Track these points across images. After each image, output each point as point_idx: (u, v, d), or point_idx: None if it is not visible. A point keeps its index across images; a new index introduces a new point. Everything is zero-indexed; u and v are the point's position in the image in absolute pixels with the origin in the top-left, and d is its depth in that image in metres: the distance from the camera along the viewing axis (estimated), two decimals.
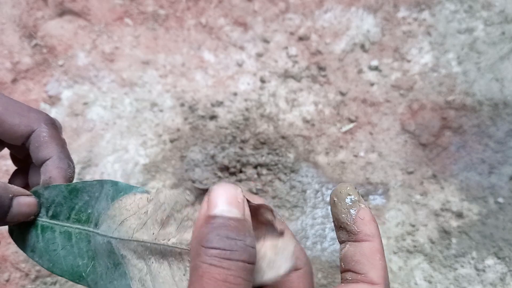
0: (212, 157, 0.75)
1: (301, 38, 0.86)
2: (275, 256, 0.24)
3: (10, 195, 0.28)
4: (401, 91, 0.82)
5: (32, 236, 0.30)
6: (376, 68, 0.84)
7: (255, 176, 0.76)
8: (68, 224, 0.29)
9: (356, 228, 0.25)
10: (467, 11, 0.88)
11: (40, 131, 0.32)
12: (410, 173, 0.76)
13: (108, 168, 0.75)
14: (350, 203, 0.26)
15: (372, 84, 0.82)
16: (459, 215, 0.72)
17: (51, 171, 0.31)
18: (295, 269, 0.27)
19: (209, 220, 0.21)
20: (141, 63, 0.84)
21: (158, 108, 0.80)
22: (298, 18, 0.88)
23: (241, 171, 0.75)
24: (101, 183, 0.29)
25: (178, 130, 0.78)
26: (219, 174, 0.75)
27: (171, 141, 0.77)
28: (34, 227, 0.30)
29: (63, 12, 0.86)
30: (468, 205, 0.73)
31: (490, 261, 0.69)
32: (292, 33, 0.87)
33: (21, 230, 0.30)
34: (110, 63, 0.84)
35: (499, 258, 0.69)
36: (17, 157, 0.36)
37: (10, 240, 0.69)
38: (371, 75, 0.83)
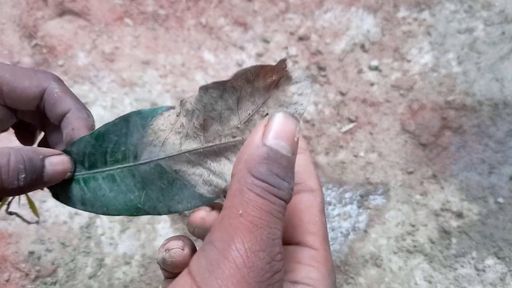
0: None
1: (301, 38, 0.86)
2: (297, 97, 0.25)
3: (41, 157, 0.29)
4: (401, 91, 0.82)
5: (77, 191, 0.31)
6: (376, 68, 0.84)
7: None
8: (107, 168, 0.30)
9: None
10: (467, 11, 0.88)
11: (52, 88, 0.32)
12: (410, 173, 0.76)
13: None
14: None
15: (372, 84, 0.82)
16: (459, 215, 0.72)
17: (72, 123, 0.31)
18: (310, 190, 0.28)
19: (263, 150, 0.21)
20: (141, 63, 0.84)
21: None
22: (298, 18, 0.88)
23: None
24: (124, 118, 0.30)
25: None
26: None
27: None
28: (75, 182, 0.31)
29: (63, 12, 0.86)
30: (468, 205, 0.73)
31: (490, 261, 0.69)
32: (292, 33, 0.87)
33: (65, 190, 0.31)
34: (110, 63, 0.84)
35: (499, 258, 0.69)
36: (23, 133, 0.36)
37: (10, 240, 0.69)
38: (371, 75, 0.83)
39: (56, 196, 0.32)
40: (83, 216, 0.71)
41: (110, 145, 0.30)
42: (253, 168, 0.21)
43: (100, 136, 0.30)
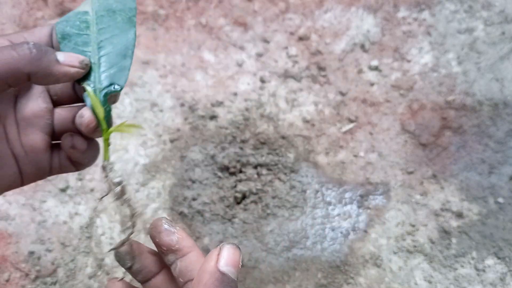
0: (212, 157, 0.75)
1: (301, 38, 0.86)
2: None
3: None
4: (401, 91, 0.82)
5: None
6: (376, 68, 0.84)
7: (255, 176, 0.76)
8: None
9: (179, 246, 0.31)
10: (467, 11, 0.88)
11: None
12: (410, 173, 0.76)
13: None
14: (169, 229, 0.32)
15: (372, 84, 0.83)
16: (459, 215, 0.72)
17: None
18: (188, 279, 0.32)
19: (218, 275, 0.27)
20: (141, 63, 0.84)
21: (158, 108, 0.80)
22: (298, 18, 0.88)
23: (241, 171, 0.75)
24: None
25: (178, 130, 0.78)
26: (219, 174, 0.75)
27: (171, 141, 0.77)
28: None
29: (63, 12, 0.86)
30: (468, 205, 0.73)
31: (490, 261, 0.69)
32: (292, 33, 0.87)
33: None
34: None
35: (499, 258, 0.69)
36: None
37: (10, 240, 0.69)
38: (371, 75, 0.83)
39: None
40: (83, 216, 0.71)
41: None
42: None
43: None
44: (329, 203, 0.73)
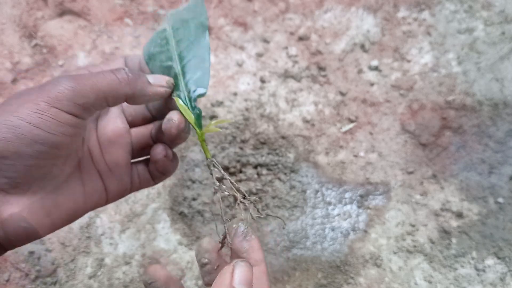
0: (212, 157, 0.75)
1: (301, 38, 0.86)
2: None
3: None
4: (401, 91, 0.82)
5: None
6: (376, 68, 0.84)
7: (255, 176, 0.76)
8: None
9: (248, 255, 0.33)
10: (467, 11, 0.88)
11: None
12: (410, 173, 0.76)
13: None
14: (244, 234, 0.33)
15: (372, 84, 0.83)
16: (459, 215, 0.72)
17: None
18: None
19: None
20: None
21: None
22: (298, 18, 0.88)
23: (241, 171, 0.75)
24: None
25: None
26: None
27: None
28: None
29: (63, 12, 0.86)
30: (468, 205, 0.73)
31: (490, 261, 0.69)
32: (292, 33, 0.87)
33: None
34: None
35: (499, 258, 0.69)
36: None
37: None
38: (371, 75, 0.83)
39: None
40: (83, 216, 0.71)
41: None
42: None
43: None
44: (329, 203, 0.73)
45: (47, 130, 0.28)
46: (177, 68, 0.36)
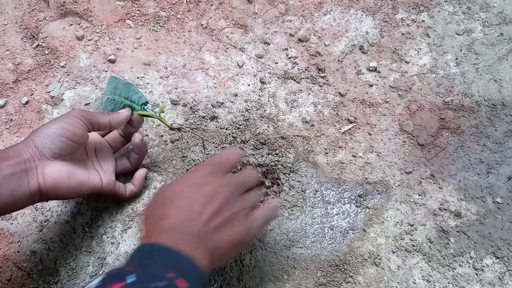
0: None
1: (300, 40, 0.87)
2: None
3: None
4: (399, 92, 0.83)
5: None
6: (374, 70, 0.84)
7: None
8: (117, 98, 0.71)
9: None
10: (465, 12, 0.89)
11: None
12: (409, 173, 0.76)
13: None
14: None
15: (370, 85, 0.83)
16: (457, 214, 0.72)
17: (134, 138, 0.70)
18: None
19: None
20: (143, 65, 0.84)
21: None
22: (297, 20, 0.89)
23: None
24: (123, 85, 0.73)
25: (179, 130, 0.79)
26: None
27: (172, 141, 0.78)
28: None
29: (64, 14, 0.87)
30: (466, 205, 0.74)
31: (488, 260, 0.69)
32: (291, 35, 0.87)
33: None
34: (112, 64, 0.84)
35: (497, 257, 0.69)
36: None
37: (12, 239, 0.70)
38: (370, 76, 0.84)
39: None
40: (85, 215, 0.72)
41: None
42: None
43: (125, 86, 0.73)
44: (328, 203, 0.74)
45: (78, 132, 0.58)
46: (128, 101, 0.70)
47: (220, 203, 0.49)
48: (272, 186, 0.75)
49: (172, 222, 0.46)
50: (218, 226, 0.48)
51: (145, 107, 0.69)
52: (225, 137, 0.77)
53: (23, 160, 0.53)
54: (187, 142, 0.78)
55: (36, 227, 0.71)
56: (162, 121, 0.71)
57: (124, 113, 0.66)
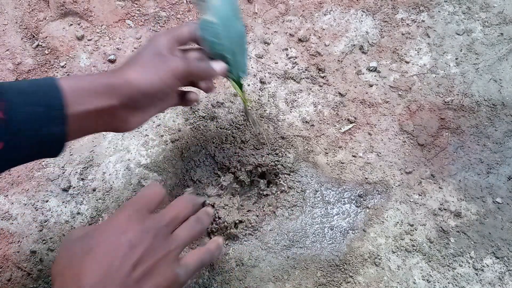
0: (213, 157, 0.76)
1: (300, 40, 0.87)
2: None
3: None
4: (399, 92, 0.83)
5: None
6: (374, 69, 0.84)
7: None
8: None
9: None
10: (465, 12, 0.89)
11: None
12: (409, 173, 0.76)
13: (110, 168, 0.76)
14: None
15: (370, 85, 0.83)
16: (457, 214, 0.73)
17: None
18: None
19: None
20: None
21: None
22: (297, 20, 0.89)
23: (241, 171, 0.75)
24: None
25: (179, 130, 0.79)
26: (219, 174, 0.75)
27: (172, 141, 0.78)
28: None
29: (64, 14, 0.87)
30: (466, 205, 0.74)
31: (488, 260, 0.69)
32: (291, 35, 0.87)
33: None
34: (112, 64, 0.84)
35: (497, 257, 0.69)
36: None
37: (12, 239, 0.70)
38: (370, 76, 0.84)
39: None
40: (85, 215, 0.72)
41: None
42: None
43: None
44: (328, 203, 0.74)
45: (165, 87, 0.54)
46: (229, 57, 0.57)
47: (143, 251, 0.44)
48: (272, 187, 0.75)
49: (92, 282, 0.41)
50: (140, 277, 0.43)
51: (241, 79, 0.61)
52: (225, 137, 0.77)
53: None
54: (187, 142, 0.78)
55: (36, 227, 0.71)
56: (244, 103, 0.70)
57: (220, 70, 0.59)
